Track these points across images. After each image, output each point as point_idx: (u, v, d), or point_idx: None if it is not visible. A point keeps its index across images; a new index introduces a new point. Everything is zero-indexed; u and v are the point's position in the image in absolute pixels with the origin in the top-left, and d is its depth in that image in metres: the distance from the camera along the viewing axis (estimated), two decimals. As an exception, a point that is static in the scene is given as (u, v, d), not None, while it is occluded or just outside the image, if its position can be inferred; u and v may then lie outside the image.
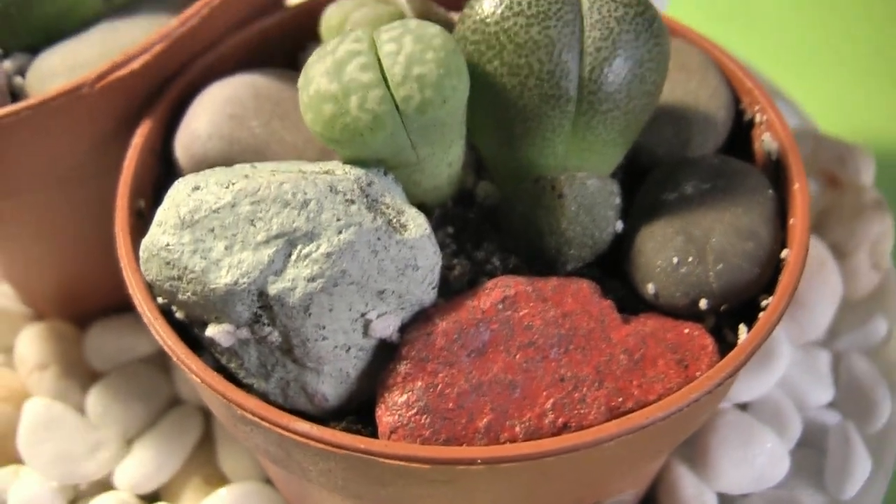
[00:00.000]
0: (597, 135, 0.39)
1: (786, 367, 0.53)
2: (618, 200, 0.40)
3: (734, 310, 0.39)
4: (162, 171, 0.44)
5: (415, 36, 0.37)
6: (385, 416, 0.35)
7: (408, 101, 0.36)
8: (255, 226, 0.35)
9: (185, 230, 0.35)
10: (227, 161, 0.42)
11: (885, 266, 0.58)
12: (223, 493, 0.48)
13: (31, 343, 0.54)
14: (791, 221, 0.40)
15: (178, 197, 0.36)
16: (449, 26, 0.46)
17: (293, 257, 0.35)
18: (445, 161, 0.40)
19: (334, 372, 0.36)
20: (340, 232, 0.35)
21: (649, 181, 0.42)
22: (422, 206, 0.42)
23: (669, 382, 0.36)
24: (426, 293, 0.37)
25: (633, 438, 0.34)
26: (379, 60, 0.37)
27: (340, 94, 0.36)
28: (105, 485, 0.51)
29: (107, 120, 0.43)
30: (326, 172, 0.37)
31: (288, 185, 0.35)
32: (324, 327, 0.35)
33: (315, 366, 0.36)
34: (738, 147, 0.45)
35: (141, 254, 0.36)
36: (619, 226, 0.41)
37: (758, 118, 0.44)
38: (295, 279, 0.35)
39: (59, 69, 0.45)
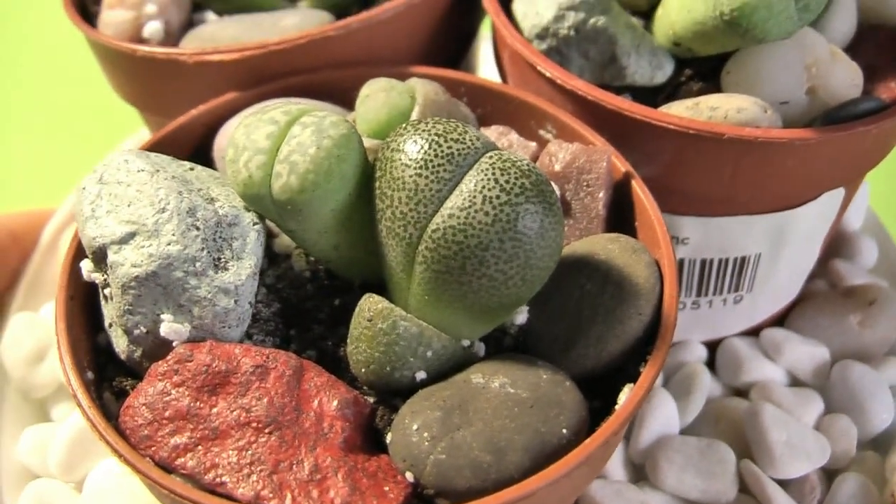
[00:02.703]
0: (430, 289, 0.41)
1: None
2: (429, 354, 0.42)
3: None
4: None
5: (316, 129, 0.42)
6: (131, 396, 0.43)
7: (277, 177, 0.42)
8: (128, 207, 0.44)
9: (97, 185, 0.45)
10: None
11: None
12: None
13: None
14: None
15: (112, 160, 0.46)
16: (466, 119, 0.50)
17: (133, 243, 0.43)
18: (328, 243, 0.45)
19: (134, 341, 0.44)
20: (169, 244, 0.43)
21: (477, 364, 0.43)
22: (330, 273, 0.47)
23: (319, 511, 0.39)
24: (220, 330, 0.43)
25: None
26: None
27: (240, 146, 0.43)
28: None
29: (199, 86, 0.54)
30: (210, 200, 0.44)
31: (163, 191, 0.44)
32: (131, 305, 0.43)
33: (124, 328, 0.44)
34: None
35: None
36: (421, 376, 0.42)
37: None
38: (126, 258, 0.43)
39: (205, 36, 0.56)
